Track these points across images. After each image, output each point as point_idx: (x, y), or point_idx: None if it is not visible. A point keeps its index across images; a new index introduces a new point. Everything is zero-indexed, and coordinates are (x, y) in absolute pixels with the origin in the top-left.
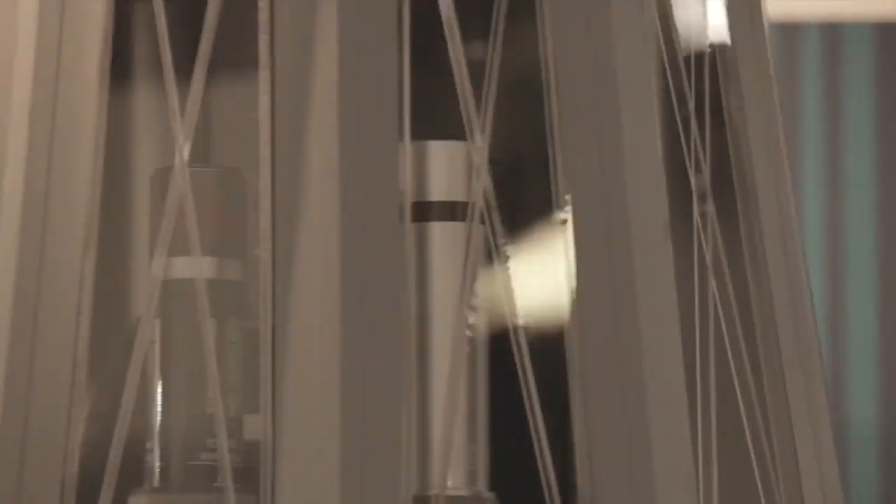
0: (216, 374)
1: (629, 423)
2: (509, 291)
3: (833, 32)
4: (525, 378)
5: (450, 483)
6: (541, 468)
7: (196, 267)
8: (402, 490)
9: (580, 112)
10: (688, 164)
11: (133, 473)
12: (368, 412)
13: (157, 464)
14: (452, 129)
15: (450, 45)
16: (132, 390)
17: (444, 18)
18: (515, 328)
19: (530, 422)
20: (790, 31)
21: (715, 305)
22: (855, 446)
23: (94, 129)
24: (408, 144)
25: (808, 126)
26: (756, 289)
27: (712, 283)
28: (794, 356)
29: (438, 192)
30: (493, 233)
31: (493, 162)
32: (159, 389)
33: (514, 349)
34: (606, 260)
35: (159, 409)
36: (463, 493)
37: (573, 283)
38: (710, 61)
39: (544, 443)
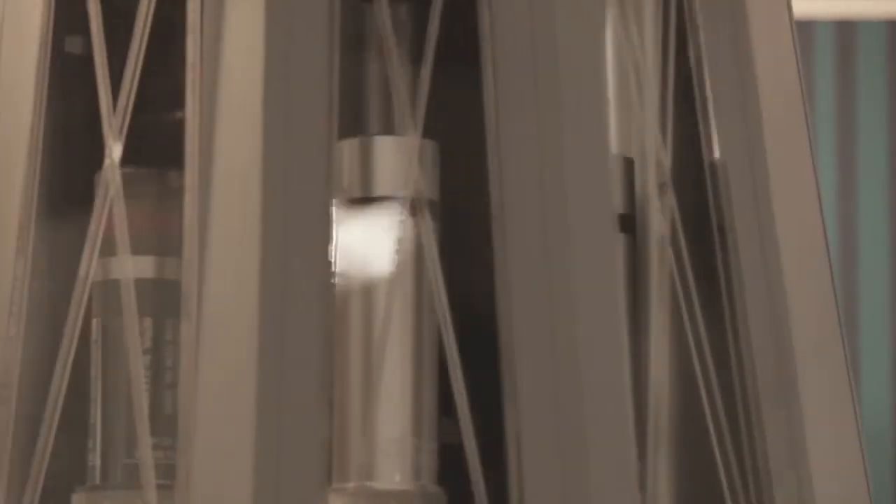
0: (140, 373)
1: (562, 425)
2: (440, 286)
3: (847, 30)
4: (454, 373)
5: (397, 478)
6: (469, 465)
7: (127, 266)
8: (320, 484)
9: (519, 97)
10: (646, 143)
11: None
12: (284, 407)
13: (98, 462)
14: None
15: (383, 36)
16: (59, 390)
17: (375, 8)
18: (445, 323)
19: (459, 418)
20: (805, 28)
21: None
22: (866, 445)
23: (30, 131)
24: (333, 140)
25: (822, 122)
26: (729, 300)
27: (674, 272)
28: (773, 392)
29: (384, 186)
30: (425, 227)
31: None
32: (100, 389)
33: (445, 344)
34: (541, 253)
35: (100, 408)
36: (406, 487)
37: (504, 277)
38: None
39: (472, 439)
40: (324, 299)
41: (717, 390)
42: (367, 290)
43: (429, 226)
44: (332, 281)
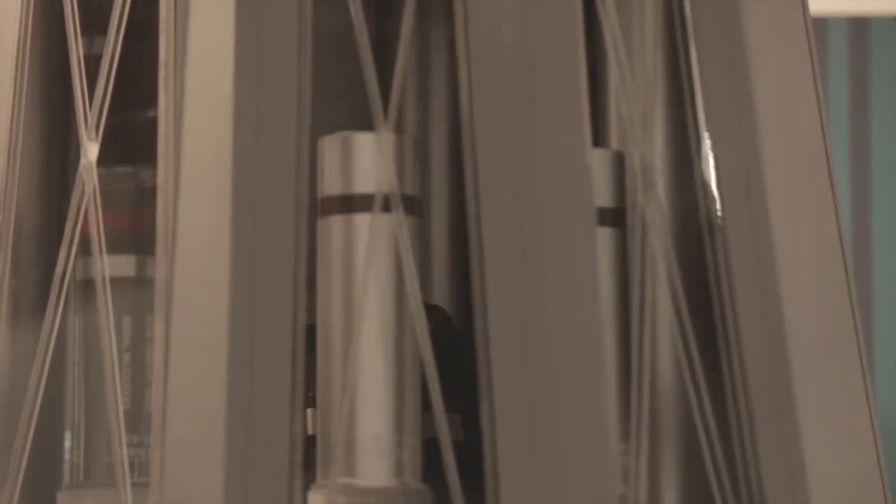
0: (115, 371)
1: (538, 422)
2: (413, 282)
3: (860, 27)
4: (429, 370)
5: (378, 474)
6: (445, 461)
7: (102, 265)
8: (290, 482)
9: (493, 91)
10: (632, 147)
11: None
12: (254, 404)
13: (81, 460)
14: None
15: (356, 27)
16: (37, 389)
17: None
18: (419, 318)
19: (434, 414)
20: (818, 25)
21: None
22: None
23: (8, 130)
24: (304, 137)
25: (835, 119)
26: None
27: (657, 268)
28: (768, 410)
29: (362, 183)
30: (399, 223)
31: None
32: (83, 387)
33: (419, 339)
34: (517, 251)
35: (82, 406)
36: (387, 483)
37: (482, 273)
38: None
39: (447, 436)
40: (294, 297)
41: (706, 396)
42: (348, 286)
43: (402, 221)
44: (303, 278)
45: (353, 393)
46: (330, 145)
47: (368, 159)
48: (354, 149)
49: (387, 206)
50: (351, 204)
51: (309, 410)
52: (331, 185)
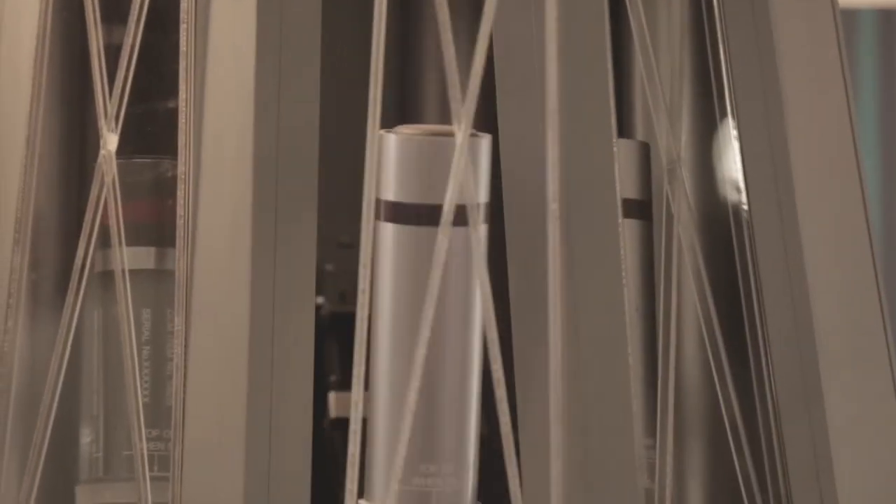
0: (135, 364)
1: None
2: (488, 299)
3: (891, 18)
4: (499, 391)
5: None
6: (510, 481)
7: (122, 257)
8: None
9: (517, 81)
10: (656, 127)
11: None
12: (275, 399)
13: (100, 454)
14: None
15: (440, 25)
16: (56, 382)
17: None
18: (493, 336)
19: (503, 435)
20: (846, 17)
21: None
22: None
23: (26, 123)
24: (382, 128)
25: (864, 110)
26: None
27: (683, 259)
28: (796, 405)
29: (444, 193)
30: (474, 237)
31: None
32: (102, 381)
33: (491, 361)
34: (540, 242)
35: (102, 399)
36: None
37: (514, 267)
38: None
39: (512, 451)
40: (312, 291)
41: (732, 390)
42: (412, 299)
43: (480, 235)
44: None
45: (412, 416)
46: (400, 145)
47: (447, 166)
48: (431, 153)
49: (459, 217)
50: (423, 214)
51: (332, 395)
52: (408, 192)
